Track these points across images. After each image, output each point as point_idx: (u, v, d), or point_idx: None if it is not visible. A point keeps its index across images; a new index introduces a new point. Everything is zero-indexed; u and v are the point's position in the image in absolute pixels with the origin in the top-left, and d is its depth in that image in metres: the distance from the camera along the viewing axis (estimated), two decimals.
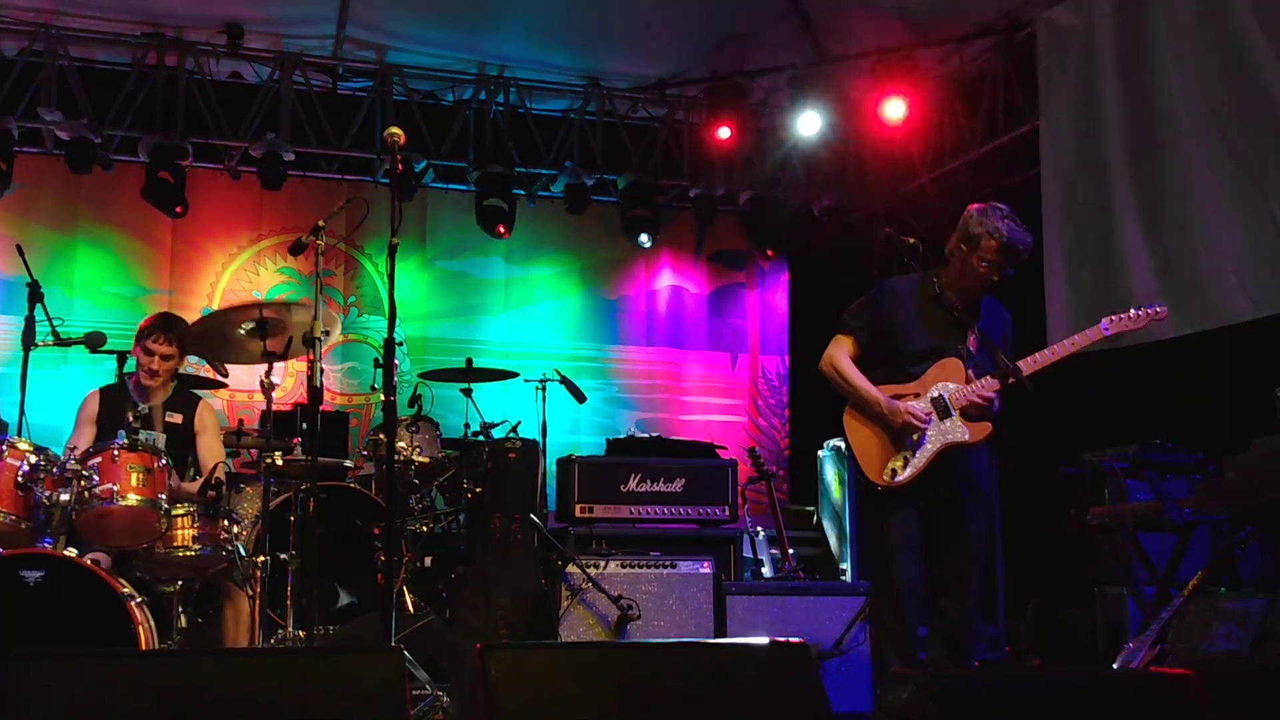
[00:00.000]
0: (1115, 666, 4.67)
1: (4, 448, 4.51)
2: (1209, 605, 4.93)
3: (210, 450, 5.45)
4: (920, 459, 4.44)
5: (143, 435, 4.73)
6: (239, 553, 4.94)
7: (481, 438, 6.65)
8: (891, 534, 4.51)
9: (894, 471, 4.48)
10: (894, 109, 8.06)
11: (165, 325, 5.36)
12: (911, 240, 4.61)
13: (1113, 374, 6.92)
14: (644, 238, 9.25)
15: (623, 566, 5.71)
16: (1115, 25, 7.06)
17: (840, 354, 4.62)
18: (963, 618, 4.47)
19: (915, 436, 4.46)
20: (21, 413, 5.15)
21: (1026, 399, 4.52)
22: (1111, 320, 4.49)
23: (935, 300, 4.53)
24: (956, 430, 4.46)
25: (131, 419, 4.71)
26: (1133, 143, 6.91)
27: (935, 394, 4.49)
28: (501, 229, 8.82)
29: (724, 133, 8.68)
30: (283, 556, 4.95)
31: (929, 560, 4.52)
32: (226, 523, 4.94)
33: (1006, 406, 4.57)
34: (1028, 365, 4.44)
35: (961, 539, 4.52)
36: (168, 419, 5.35)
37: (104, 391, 5.49)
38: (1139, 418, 6.19)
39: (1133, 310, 4.51)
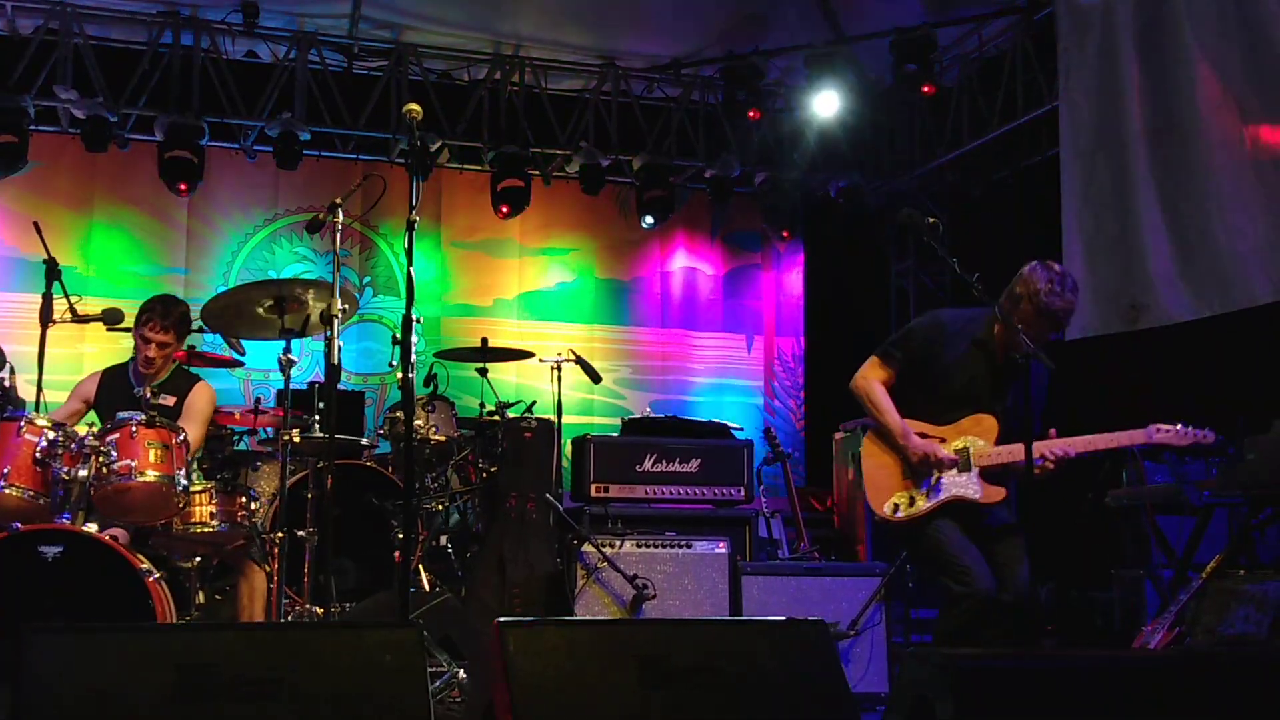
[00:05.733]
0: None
1: (22, 424, 4.52)
2: (1227, 587, 4.91)
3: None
4: (926, 504, 4.35)
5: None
6: (256, 529, 4.95)
7: (497, 417, 6.65)
8: (940, 542, 4.39)
9: (896, 506, 4.41)
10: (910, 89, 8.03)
11: (163, 312, 5.22)
12: (931, 220, 4.53)
13: (1131, 355, 6.89)
14: (649, 219, 9.20)
15: (638, 546, 5.71)
16: (1135, 5, 7.00)
17: (873, 377, 4.50)
18: (1018, 613, 4.38)
19: (933, 479, 4.36)
20: (39, 390, 5.14)
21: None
22: (1159, 430, 4.38)
23: (983, 348, 4.40)
24: (970, 486, 4.34)
25: (150, 395, 4.70)
26: (1152, 124, 6.86)
27: (962, 444, 4.39)
28: (505, 209, 8.83)
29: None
30: (300, 533, 4.97)
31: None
32: (244, 499, 4.96)
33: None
34: (1059, 447, 4.27)
35: (1005, 546, 4.43)
36: (160, 401, 5.20)
37: (105, 373, 5.47)
38: (1158, 399, 6.15)
39: (1180, 426, 4.40)
